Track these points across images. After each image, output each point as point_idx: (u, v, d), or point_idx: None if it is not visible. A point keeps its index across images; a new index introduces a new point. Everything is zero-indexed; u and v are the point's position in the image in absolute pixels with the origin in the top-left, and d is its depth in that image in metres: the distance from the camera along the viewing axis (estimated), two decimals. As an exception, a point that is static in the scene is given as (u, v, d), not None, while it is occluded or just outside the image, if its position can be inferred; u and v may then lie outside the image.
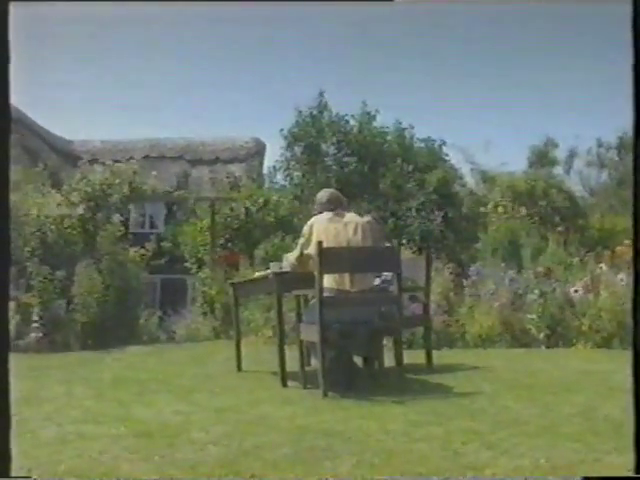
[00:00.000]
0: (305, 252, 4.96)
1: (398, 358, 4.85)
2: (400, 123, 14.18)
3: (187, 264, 12.50)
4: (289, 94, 24.84)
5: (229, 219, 12.23)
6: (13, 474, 2.42)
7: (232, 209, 12.41)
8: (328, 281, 4.63)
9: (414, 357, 5.77)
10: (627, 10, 2.48)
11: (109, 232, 10.48)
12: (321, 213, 5.11)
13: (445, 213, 11.89)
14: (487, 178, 13.92)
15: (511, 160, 29.81)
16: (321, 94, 13.81)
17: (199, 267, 11.52)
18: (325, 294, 4.52)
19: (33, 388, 5.28)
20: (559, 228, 9.47)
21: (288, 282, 5.15)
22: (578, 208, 12.71)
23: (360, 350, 5.02)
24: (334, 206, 5.15)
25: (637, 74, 2.55)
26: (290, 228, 12.03)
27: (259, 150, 20.17)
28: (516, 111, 25.33)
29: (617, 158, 15.92)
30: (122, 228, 10.92)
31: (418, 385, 4.90)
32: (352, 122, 13.80)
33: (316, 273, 4.73)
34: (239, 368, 6.20)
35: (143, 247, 11.32)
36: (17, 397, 2.51)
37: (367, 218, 5.20)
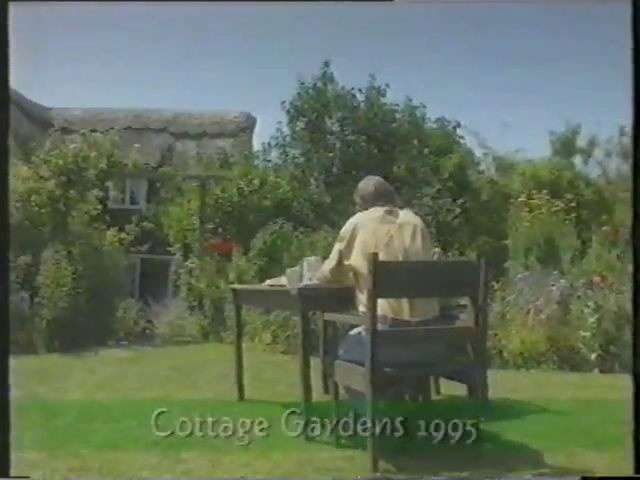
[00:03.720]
0: (346, 263, 3.64)
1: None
2: (410, 100, 12.83)
3: (171, 249, 11.13)
4: (285, 65, 23.25)
5: (220, 201, 10.85)
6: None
7: (224, 189, 11.03)
8: (381, 307, 3.32)
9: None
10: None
11: (83, 212, 9.11)
12: (366, 209, 3.78)
13: (463, 202, 10.60)
14: (504, 165, 12.67)
15: (528, 146, 28.45)
16: (326, 64, 12.42)
17: (186, 255, 10.17)
18: (378, 326, 3.22)
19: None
20: (605, 227, 8.20)
21: (317, 301, 3.84)
22: (606, 202, 11.47)
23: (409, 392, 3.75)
24: (384, 201, 3.81)
25: (637, 74, 2.68)
26: (290, 214, 10.70)
27: (250, 125, 18.96)
28: (534, 94, 23.87)
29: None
30: (99, 207, 9.55)
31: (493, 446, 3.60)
32: (359, 97, 12.43)
33: (361, 295, 3.45)
34: (240, 396, 4.94)
35: (122, 229, 9.96)
36: None
37: (418, 217, 3.89)
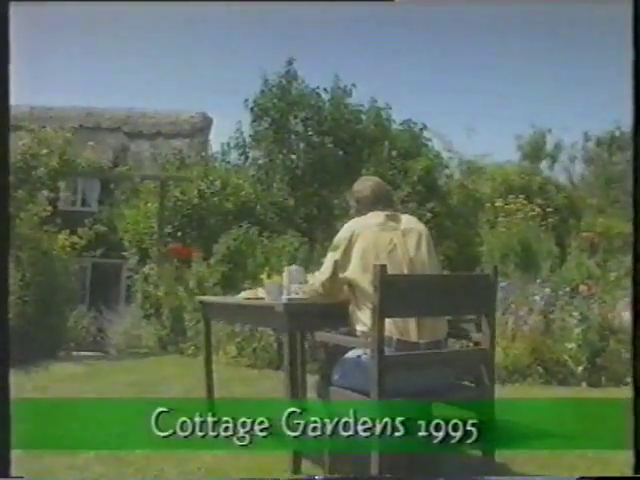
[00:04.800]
0: (341, 275, 3.17)
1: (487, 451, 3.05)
2: (376, 101, 12.43)
3: (126, 254, 10.53)
4: (246, 65, 22.63)
5: (179, 203, 10.28)
6: None
7: (183, 191, 10.46)
8: (385, 326, 2.87)
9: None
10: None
11: (32, 213, 8.46)
12: (363, 214, 3.33)
13: (433, 207, 10.23)
14: (472, 169, 12.37)
15: (494, 150, 28.27)
16: (290, 62, 11.92)
17: (142, 260, 9.59)
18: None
19: None
20: (584, 233, 7.91)
21: (307, 318, 3.36)
22: (576, 208, 11.25)
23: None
24: (383, 205, 3.36)
25: (637, 74, 2.68)
26: (253, 217, 10.20)
27: (206, 125, 18.51)
28: (500, 98, 23.79)
29: (606, 154, 14.64)
30: (49, 208, 8.92)
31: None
32: (324, 97, 11.95)
33: (359, 312, 3.01)
34: None
35: (74, 232, 9.34)
36: None
37: (422, 223, 3.45)
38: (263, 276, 5.98)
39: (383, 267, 2.74)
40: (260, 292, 4.07)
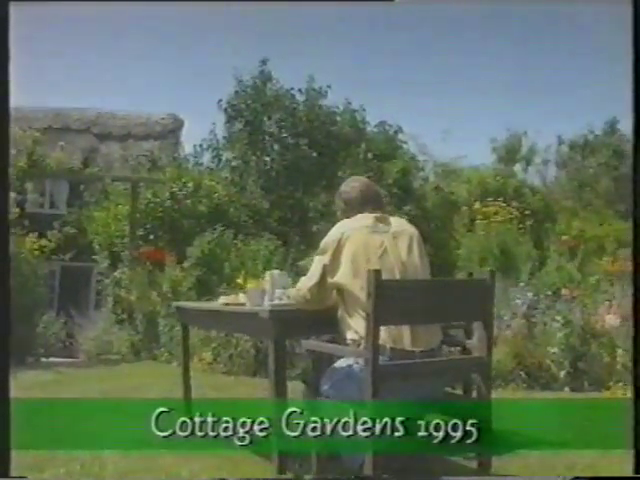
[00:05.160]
0: (330, 280, 3.02)
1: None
2: (350, 103, 12.31)
3: (97, 257, 10.26)
4: (220, 67, 22.35)
5: (151, 205, 10.05)
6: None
7: (155, 193, 10.24)
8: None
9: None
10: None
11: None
12: (351, 216, 3.18)
13: (409, 210, 10.13)
14: (447, 172, 12.29)
15: (468, 153, 28.32)
16: (264, 62, 11.74)
17: (113, 264, 9.34)
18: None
19: None
20: (564, 236, 7.85)
21: (293, 324, 3.20)
22: (551, 211, 11.23)
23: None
24: (373, 206, 3.22)
25: (637, 74, 2.67)
26: (227, 220, 10.00)
27: (177, 127, 18.30)
28: (475, 100, 23.84)
29: (579, 157, 14.67)
30: (16, 210, 8.66)
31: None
32: (299, 98, 11.80)
33: (350, 319, 2.88)
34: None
35: (43, 235, 9.09)
36: None
37: (412, 226, 3.32)
38: (239, 280, 5.80)
39: (377, 272, 2.60)
40: (241, 297, 3.92)
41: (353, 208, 3.22)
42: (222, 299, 4.03)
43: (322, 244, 3.10)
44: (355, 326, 2.90)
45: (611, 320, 6.13)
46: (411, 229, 3.21)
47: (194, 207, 10.13)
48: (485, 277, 2.91)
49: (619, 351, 6.14)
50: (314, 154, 11.31)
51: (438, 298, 2.78)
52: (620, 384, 5.98)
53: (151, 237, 9.80)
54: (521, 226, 8.54)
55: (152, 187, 10.42)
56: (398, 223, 3.20)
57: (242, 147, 11.46)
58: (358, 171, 10.70)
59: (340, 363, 2.94)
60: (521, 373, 6.13)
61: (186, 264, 8.54)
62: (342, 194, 3.31)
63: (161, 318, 7.84)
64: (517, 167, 13.84)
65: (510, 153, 13.97)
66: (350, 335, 2.93)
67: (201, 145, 12.90)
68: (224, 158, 12.44)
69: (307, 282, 3.12)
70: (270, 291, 3.59)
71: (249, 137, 11.36)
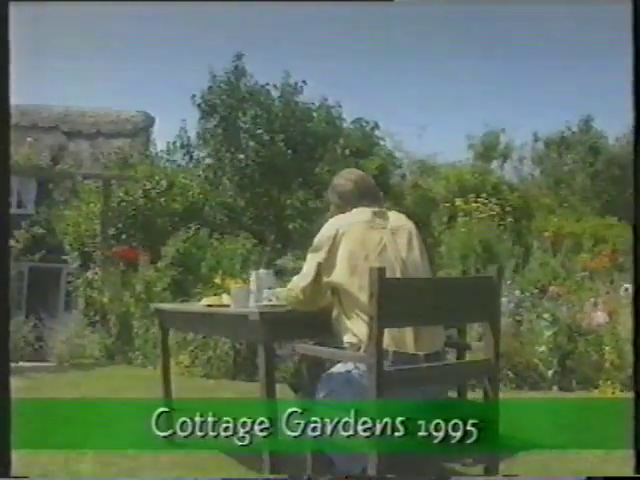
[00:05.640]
0: (326, 279, 2.83)
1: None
2: (326, 99, 12.10)
3: (67, 258, 9.94)
4: (193, 63, 21.91)
5: (124, 204, 9.77)
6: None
7: (127, 191, 9.96)
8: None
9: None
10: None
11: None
12: (346, 211, 2.99)
13: (388, 207, 9.94)
14: (424, 169, 12.16)
15: (444, 150, 28.27)
16: (238, 57, 11.48)
17: (84, 265, 9.04)
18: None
19: None
20: (546, 233, 7.74)
21: (284, 328, 3.01)
22: (530, 208, 11.14)
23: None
24: (369, 200, 3.04)
25: (637, 74, 2.65)
26: (202, 218, 9.76)
27: (148, 125, 17.94)
28: (451, 97, 23.70)
29: (555, 155, 14.63)
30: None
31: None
32: (274, 94, 11.57)
33: (348, 321, 2.69)
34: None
35: (12, 236, 8.76)
36: None
37: (411, 221, 3.15)
38: (217, 280, 5.58)
39: (381, 270, 2.40)
40: (225, 298, 3.71)
41: (348, 202, 3.03)
42: (205, 300, 3.81)
43: (316, 241, 2.90)
44: (353, 328, 2.71)
45: (600, 318, 6.03)
46: (410, 224, 3.03)
47: (168, 205, 9.86)
48: (491, 274, 2.73)
49: (607, 349, 6.05)
50: (290, 151, 11.09)
51: (444, 297, 2.59)
52: (609, 382, 5.90)
53: (124, 236, 9.52)
54: (502, 223, 8.41)
55: (124, 185, 10.13)
56: (396, 218, 3.02)
57: (216, 144, 11.21)
58: (335, 168, 10.53)
59: (338, 369, 2.74)
60: (509, 373, 6.01)
61: (161, 264, 8.29)
62: (336, 187, 3.11)
63: (135, 320, 7.59)
64: (494, 164, 13.80)
65: (488, 150, 13.90)
66: (348, 338, 2.73)
67: (174, 142, 12.63)
68: (198, 155, 12.19)
69: (300, 282, 2.92)
70: (256, 291, 3.39)
71: (223, 133, 11.11)
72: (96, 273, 8.51)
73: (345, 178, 3.11)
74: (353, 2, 5.88)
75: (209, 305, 3.67)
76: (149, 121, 17.87)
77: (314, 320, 2.93)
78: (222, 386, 6.17)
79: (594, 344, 6.12)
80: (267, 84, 11.58)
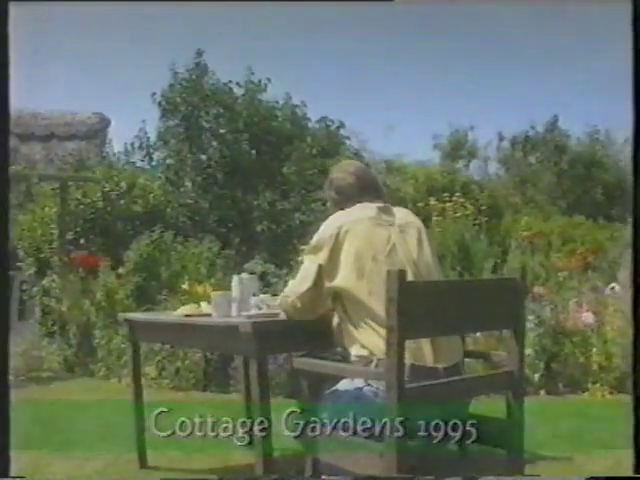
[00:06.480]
0: (328, 284, 2.50)
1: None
2: (290, 98, 11.77)
3: (22, 264, 9.44)
4: (152, 64, 21.32)
5: (81, 207, 9.32)
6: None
7: (85, 194, 9.50)
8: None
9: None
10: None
11: None
12: (346, 207, 2.67)
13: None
14: (391, 168, 11.92)
15: (410, 149, 28.13)
16: (199, 53, 11.08)
17: (41, 271, 8.57)
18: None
19: None
20: (524, 232, 7.55)
21: (278, 339, 2.67)
22: (501, 207, 10.98)
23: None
24: (372, 195, 2.73)
25: (637, 74, 2.59)
26: (164, 221, 9.35)
27: (104, 127, 17.49)
28: (417, 95, 23.56)
29: (520, 154, 14.53)
30: None
31: None
32: (237, 92, 11.21)
33: (355, 331, 2.38)
34: (142, 464, 3.75)
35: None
36: None
37: (418, 218, 2.85)
38: (185, 286, 5.20)
39: (401, 272, 2.08)
40: (204, 306, 3.38)
41: (349, 198, 2.71)
42: (182, 310, 3.46)
43: (314, 241, 2.58)
44: (362, 340, 2.39)
45: (588, 318, 5.83)
46: (417, 221, 2.72)
47: (128, 208, 9.44)
48: (515, 277, 2.43)
49: (594, 350, 5.88)
50: (254, 151, 10.75)
51: (467, 302, 2.29)
52: (598, 385, 5.74)
53: (82, 241, 9.07)
54: (476, 222, 8.20)
55: (82, 187, 9.67)
56: (402, 214, 2.71)
57: (178, 143, 10.81)
58: (301, 167, 10.26)
59: (344, 385, 2.41)
60: (494, 377, 5.78)
61: (122, 270, 7.86)
62: (334, 181, 2.79)
63: (97, 329, 7.17)
64: (459, 164, 13.64)
65: (454, 149, 13.74)
66: (356, 351, 2.41)
67: (132, 143, 12.20)
68: (159, 156, 11.76)
69: (297, 287, 2.59)
70: (239, 298, 3.07)
71: (185, 133, 10.73)
72: (53, 280, 8.04)
73: (344, 171, 2.79)
74: (353, 2, 5.73)
75: (187, 315, 3.33)
76: (105, 122, 17.42)
77: (312, 330, 2.62)
78: (192, 398, 5.85)
79: (580, 345, 5.94)
80: (230, 82, 11.23)
